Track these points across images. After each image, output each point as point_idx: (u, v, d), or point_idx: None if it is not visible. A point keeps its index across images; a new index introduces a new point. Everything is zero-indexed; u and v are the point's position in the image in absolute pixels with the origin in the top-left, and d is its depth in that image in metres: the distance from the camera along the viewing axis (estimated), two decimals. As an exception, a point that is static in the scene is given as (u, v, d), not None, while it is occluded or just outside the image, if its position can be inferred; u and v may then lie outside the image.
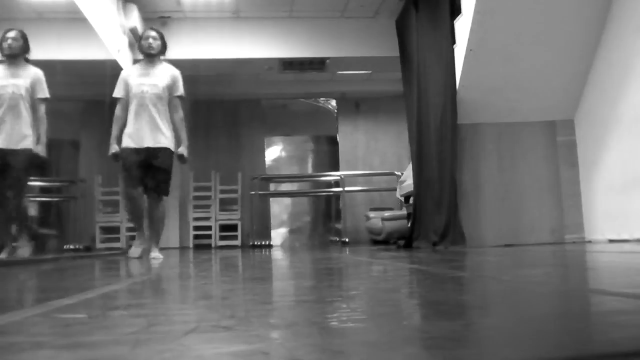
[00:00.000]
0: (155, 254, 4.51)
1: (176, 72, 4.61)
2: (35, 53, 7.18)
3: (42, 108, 4.50)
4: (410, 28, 6.30)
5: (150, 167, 4.44)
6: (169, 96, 4.52)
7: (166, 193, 4.60)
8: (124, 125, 4.48)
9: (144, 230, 4.62)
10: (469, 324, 1.00)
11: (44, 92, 4.51)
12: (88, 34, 6.23)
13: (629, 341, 0.78)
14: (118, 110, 4.54)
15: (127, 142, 4.45)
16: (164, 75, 4.55)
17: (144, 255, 4.49)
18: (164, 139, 4.46)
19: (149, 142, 4.43)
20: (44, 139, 4.48)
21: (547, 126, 5.52)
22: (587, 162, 5.33)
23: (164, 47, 4.62)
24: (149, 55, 4.58)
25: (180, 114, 4.57)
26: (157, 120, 4.44)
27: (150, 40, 4.57)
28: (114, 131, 4.51)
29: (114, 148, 4.48)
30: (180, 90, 4.58)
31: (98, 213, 9.00)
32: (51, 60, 6.62)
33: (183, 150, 4.59)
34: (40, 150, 4.45)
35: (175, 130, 4.57)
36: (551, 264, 2.71)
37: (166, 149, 4.48)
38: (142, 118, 4.42)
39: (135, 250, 4.54)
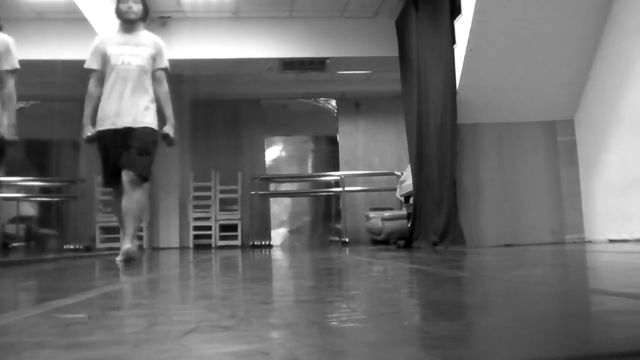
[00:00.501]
0: (128, 245, 3.68)
1: (160, 41, 4.05)
2: (35, 53, 7.18)
3: (10, 82, 3.87)
4: (410, 28, 6.30)
5: (128, 147, 3.80)
6: (152, 68, 3.95)
7: (144, 174, 3.83)
8: (99, 103, 3.87)
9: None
10: (469, 324, 1.00)
11: (10, 63, 3.85)
12: (88, 34, 6.23)
13: (629, 341, 0.78)
14: (92, 84, 3.89)
15: (104, 123, 3.83)
16: (146, 44, 3.96)
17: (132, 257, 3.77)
18: (147, 117, 3.87)
19: (128, 121, 3.80)
20: (12, 118, 3.86)
21: (547, 126, 5.52)
22: (587, 162, 5.32)
23: (145, 13, 4.02)
24: (129, 22, 3.94)
25: (165, 88, 3.99)
26: (139, 96, 3.85)
27: (130, 4, 3.94)
28: (87, 110, 3.87)
29: (88, 130, 3.84)
30: (165, 62, 4.02)
31: (98, 213, 9.00)
32: (51, 60, 6.63)
33: (169, 129, 3.98)
34: (7, 132, 3.82)
35: (159, 107, 3.99)
36: (551, 264, 2.71)
37: (148, 128, 3.87)
38: (122, 94, 3.81)
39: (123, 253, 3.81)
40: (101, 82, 3.88)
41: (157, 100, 3.98)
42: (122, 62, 3.86)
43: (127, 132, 3.81)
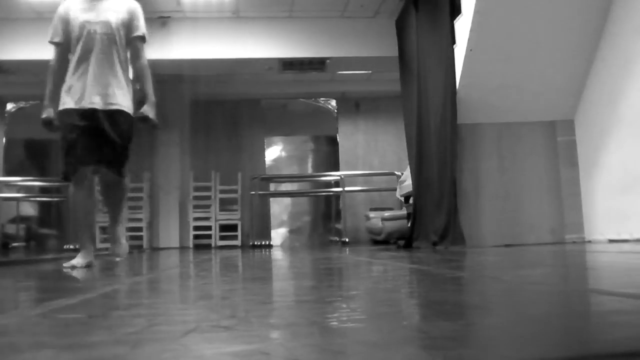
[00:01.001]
0: (121, 249, 3.47)
1: (134, 5, 3.43)
2: (35, 53, 7.17)
3: None
4: (410, 28, 6.30)
5: (101, 137, 3.24)
6: (126, 37, 3.35)
7: (121, 172, 3.36)
8: (62, 80, 3.29)
9: (89, 243, 3.30)
10: (469, 324, 1.00)
11: None
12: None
13: (629, 341, 0.78)
14: (54, 59, 3.34)
15: (67, 101, 3.23)
16: (118, 9, 3.36)
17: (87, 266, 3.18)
18: (120, 97, 3.27)
19: (96, 102, 3.22)
20: None
21: (547, 126, 5.52)
22: (587, 162, 5.32)
23: None
24: None
25: (142, 60, 3.39)
26: (108, 70, 3.25)
27: None
28: (49, 87, 3.30)
29: (47, 111, 3.27)
30: (141, 29, 3.40)
31: (98, 213, 8.99)
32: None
33: (148, 110, 3.32)
34: None
35: (136, 84, 3.41)
36: (551, 264, 2.71)
37: (121, 112, 3.27)
38: (87, 69, 3.23)
39: (77, 261, 3.17)
40: (66, 56, 3.32)
41: (134, 74, 3.41)
42: (87, 32, 3.26)
43: (94, 114, 3.22)
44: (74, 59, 3.28)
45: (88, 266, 3.14)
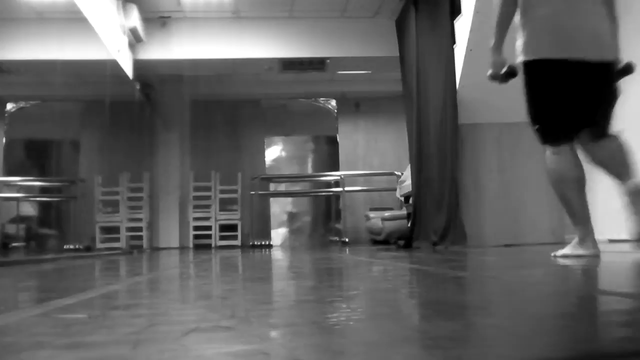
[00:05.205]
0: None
1: None
2: (35, 53, 7.20)
3: None
4: (410, 28, 6.30)
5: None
6: None
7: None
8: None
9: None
10: (469, 323, 1.00)
11: None
12: (88, 34, 6.23)
13: (629, 341, 0.78)
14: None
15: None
16: None
17: None
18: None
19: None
20: None
21: (547, 126, 5.51)
22: (587, 161, 5.32)
23: None
24: None
25: None
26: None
27: None
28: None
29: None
30: None
31: (98, 213, 9.00)
32: (51, 60, 6.64)
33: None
34: None
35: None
36: (551, 263, 2.71)
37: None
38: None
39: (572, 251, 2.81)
40: None
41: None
42: None
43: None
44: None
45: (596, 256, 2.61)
